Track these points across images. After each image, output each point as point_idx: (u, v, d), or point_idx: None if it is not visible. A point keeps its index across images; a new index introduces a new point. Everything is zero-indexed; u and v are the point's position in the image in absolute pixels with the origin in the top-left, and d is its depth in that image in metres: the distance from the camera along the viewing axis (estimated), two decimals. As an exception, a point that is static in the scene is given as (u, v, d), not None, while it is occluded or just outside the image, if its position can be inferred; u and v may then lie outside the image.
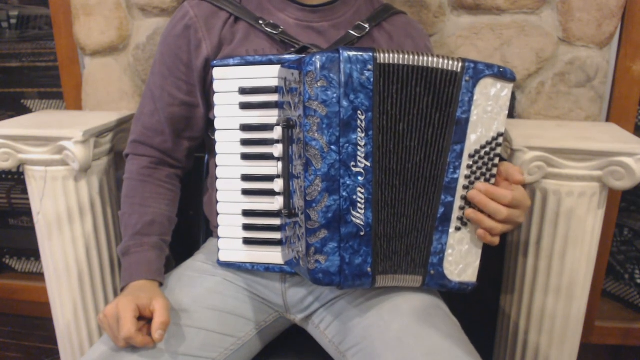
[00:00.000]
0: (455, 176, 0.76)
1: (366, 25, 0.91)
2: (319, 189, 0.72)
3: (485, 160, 0.76)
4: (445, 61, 0.73)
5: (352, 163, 0.72)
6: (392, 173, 0.74)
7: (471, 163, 0.76)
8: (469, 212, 0.76)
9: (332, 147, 0.71)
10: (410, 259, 0.78)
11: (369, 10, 0.96)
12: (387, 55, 0.71)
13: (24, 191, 1.44)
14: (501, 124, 0.75)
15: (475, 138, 0.75)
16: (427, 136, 0.74)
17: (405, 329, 0.76)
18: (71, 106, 1.45)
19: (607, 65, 1.19)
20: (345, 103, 0.70)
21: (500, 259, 1.20)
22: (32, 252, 1.78)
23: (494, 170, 0.77)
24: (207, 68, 0.89)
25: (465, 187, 0.77)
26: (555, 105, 1.22)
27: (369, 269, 0.75)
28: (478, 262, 0.80)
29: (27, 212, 1.73)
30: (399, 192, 0.75)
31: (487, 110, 0.75)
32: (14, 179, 1.76)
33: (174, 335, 0.80)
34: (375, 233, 0.74)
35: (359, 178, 0.72)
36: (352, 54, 0.69)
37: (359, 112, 0.71)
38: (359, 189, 0.72)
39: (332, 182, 0.72)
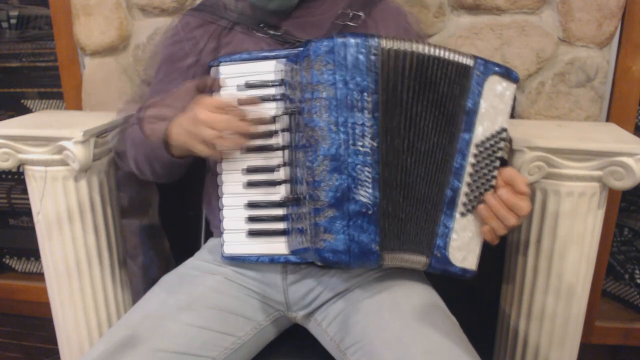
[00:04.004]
0: (464, 163, 0.78)
1: (361, 14, 0.93)
2: (327, 169, 0.74)
3: (490, 152, 0.78)
4: (456, 56, 0.76)
5: (360, 143, 0.73)
6: (399, 153, 0.76)
7: (477, 152, 0.78)
8: (481, 207, 0.78)
9: (340, 127, 0.73)
10: (417, 239, 0.79)
11: None
12: (392, 41, 0.73)
13: (24, 191, 1.44)
14: (505, 120, 0.78)
15: (481, 130, 0.78)
16: (440, 122, 0.77)
17: (405, 328, 0.77)
18: (71, 106, 1.45)
19: (607, 65, 1.19)
20: (351, 86, 0.72)
21: (501, 259, 1.19)
22: (32, 252, 1.78)
23: (497, 163, 0.79)
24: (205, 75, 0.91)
25: (471, 175, 0.78)
26: (555, 105, 1.22)
27: (376, 247, 0.76)
28: (479, 251, 0.81)
29: (27, 212, 1.73)
30: (406, 173, 0.77)
31: (493, 105, 0.77)
32: (14, 179, 1.76)
33: (174, 334, 0.80)
34: (382, 212, 0.76)
35: (366, 158, 0.74)
36: (357, 39, 0.72)
37: (365, 94, 0.73)
38: (366, 168, 0.74)
39: (339, 162, 0.73)
